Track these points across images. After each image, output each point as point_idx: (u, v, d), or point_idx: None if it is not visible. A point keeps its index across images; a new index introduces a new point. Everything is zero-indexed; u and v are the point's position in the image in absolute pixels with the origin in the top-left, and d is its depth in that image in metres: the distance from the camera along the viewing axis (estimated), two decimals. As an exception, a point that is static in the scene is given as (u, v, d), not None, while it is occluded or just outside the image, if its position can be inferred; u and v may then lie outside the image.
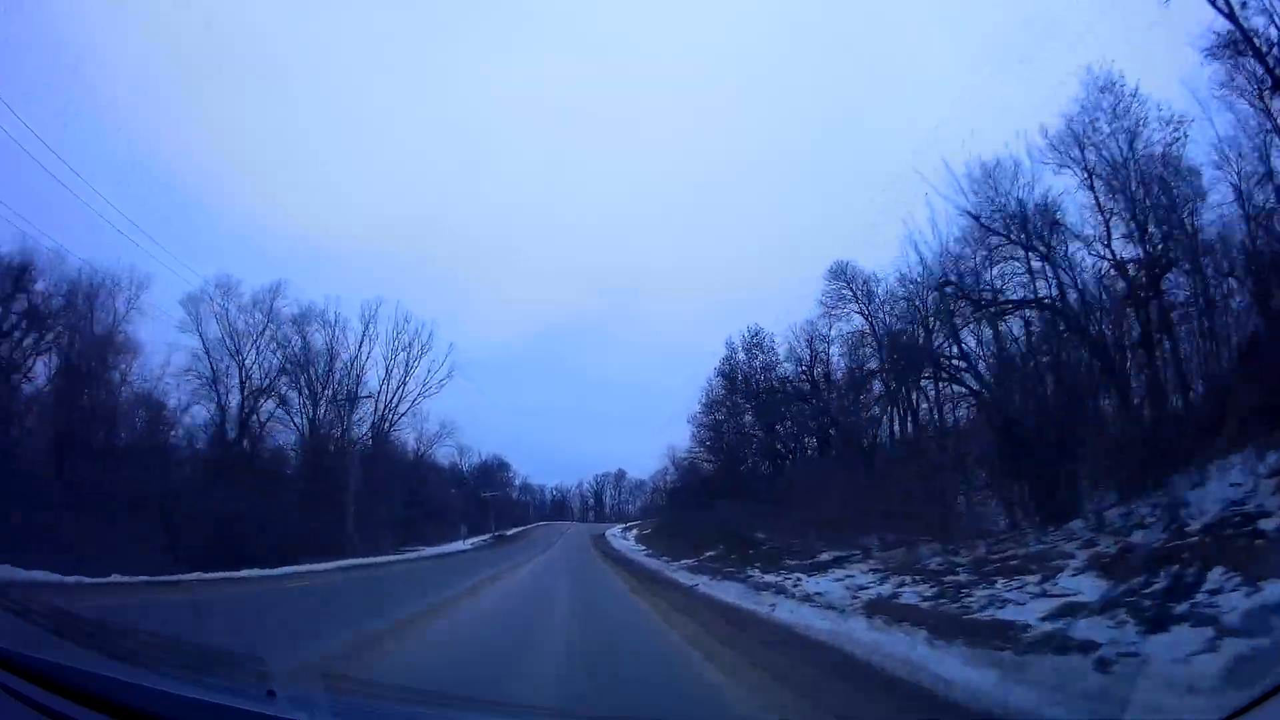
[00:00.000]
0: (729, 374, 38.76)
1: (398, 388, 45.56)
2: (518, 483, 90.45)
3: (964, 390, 20.71)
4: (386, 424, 45.28)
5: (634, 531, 54.69)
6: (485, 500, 67.35)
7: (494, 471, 78.65)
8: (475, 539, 52.09)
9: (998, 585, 9.77)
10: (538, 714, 4.67)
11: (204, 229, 59.47)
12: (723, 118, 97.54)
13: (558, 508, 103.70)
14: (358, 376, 43.72)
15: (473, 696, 4.93)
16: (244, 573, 18.10)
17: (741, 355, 37.81)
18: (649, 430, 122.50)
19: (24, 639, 3.47)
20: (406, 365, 45.75)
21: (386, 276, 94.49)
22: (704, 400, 41.16)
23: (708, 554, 23.62)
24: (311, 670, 5.05)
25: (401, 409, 45.82)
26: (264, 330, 37.23)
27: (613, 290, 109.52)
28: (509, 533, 61.90)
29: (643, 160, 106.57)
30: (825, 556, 17.29)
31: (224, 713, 2.24)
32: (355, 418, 42.69)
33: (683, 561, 23.08)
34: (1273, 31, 13.61)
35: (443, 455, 59.18)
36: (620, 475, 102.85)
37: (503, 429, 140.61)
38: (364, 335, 44.35)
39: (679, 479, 50.45)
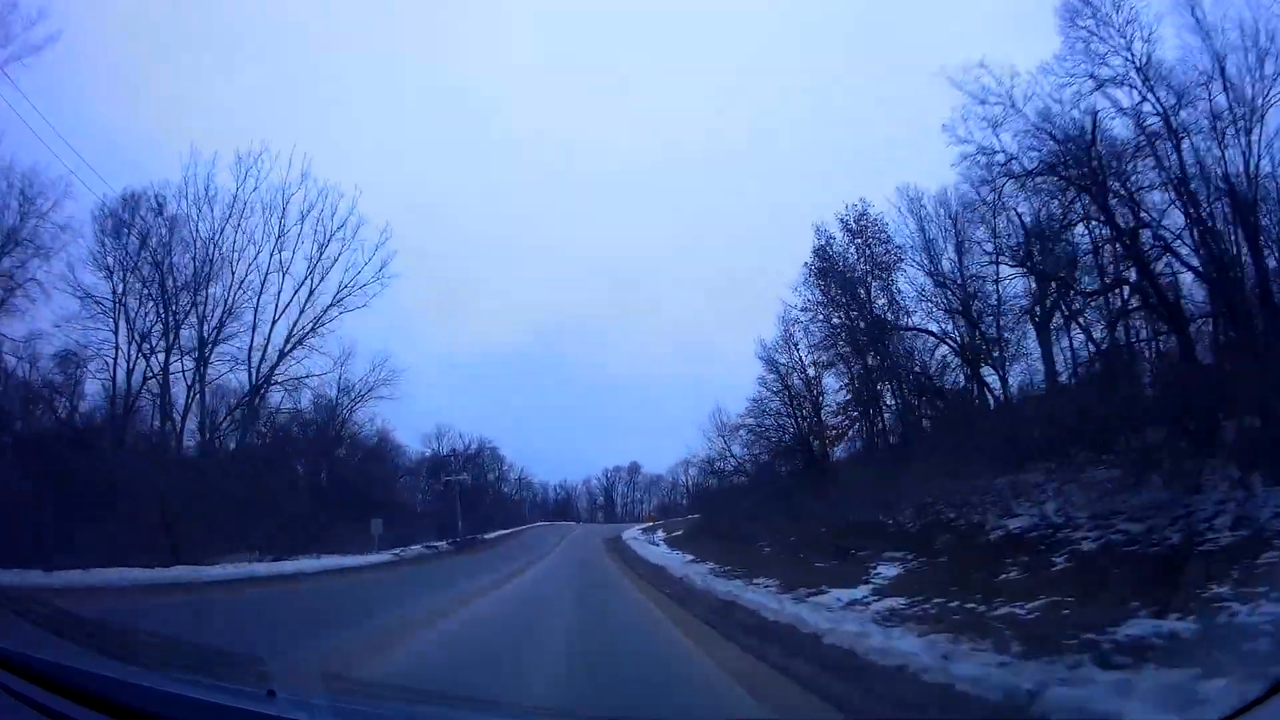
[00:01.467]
0: (824, 270, 26.37)
1: (296, 294, 27.59)
2: (513, 477, 75.45)
3: None
4: (277, 352, 27.93)
5: (661, 533, 40.89)
6: (452, 487, 47.64)
7: (484, 461, 61.73)
8: (422, 545, 33.24)
9: None
10: (538, 714, 4.68)
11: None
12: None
13: (561, 506, 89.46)
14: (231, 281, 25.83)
15: (473, 696, 4.93)
16: None
17: (844, 246, 26.39)
18: (663, 423, 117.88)
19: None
20: (318, 261, 27.39)
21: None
22: (785, 323, 28.72)
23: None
24: (311, 670, 5.05)
25: (304, 329, 27.90)
26: None
27: (617, 282, 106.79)
28: (488, 535, 44.94)
29: (644, 151, 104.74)
30: None
31: (224, 713, 2.25)
32: (223, 350, 26.84)
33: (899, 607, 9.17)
34: None
35: (420, 439, 50.74)
36: (634, 469, 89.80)
37: (501, 427, 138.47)
38: (234, 201, 26.35)
39: (735, 454, 35.25)
